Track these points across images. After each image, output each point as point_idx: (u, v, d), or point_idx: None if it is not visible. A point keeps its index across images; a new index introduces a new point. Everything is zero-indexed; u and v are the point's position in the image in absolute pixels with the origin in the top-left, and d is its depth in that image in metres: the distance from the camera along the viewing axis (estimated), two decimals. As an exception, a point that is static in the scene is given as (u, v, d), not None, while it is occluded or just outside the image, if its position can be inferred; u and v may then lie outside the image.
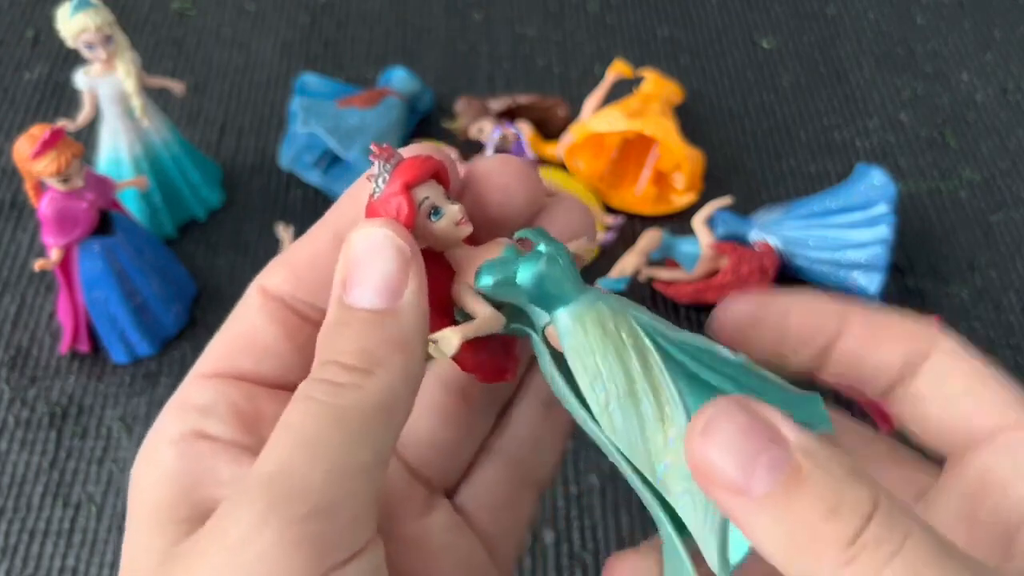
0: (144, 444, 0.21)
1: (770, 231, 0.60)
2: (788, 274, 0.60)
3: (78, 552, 0.49)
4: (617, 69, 0.69)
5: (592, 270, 0.60)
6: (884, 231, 0.58)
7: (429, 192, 0.21)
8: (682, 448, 0.19)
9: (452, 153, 0.24)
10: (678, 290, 0.59)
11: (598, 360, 0.20)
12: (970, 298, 0.62)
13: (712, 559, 0.19)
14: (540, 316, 0.22)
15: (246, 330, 0.22)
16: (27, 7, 0.79)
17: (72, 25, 0.53)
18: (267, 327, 0.22)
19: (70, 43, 0.54)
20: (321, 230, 0.23)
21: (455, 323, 0.22)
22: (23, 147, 0.48)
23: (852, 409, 0.55)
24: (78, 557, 0.49)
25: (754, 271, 0.58)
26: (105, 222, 0.53)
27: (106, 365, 0.56)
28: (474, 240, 0.22)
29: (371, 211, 0.21)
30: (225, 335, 0.22)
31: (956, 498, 0.22)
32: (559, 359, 0.22)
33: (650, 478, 0.20)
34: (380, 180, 0.21)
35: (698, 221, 0.60)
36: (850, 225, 0.59)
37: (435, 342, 0.20)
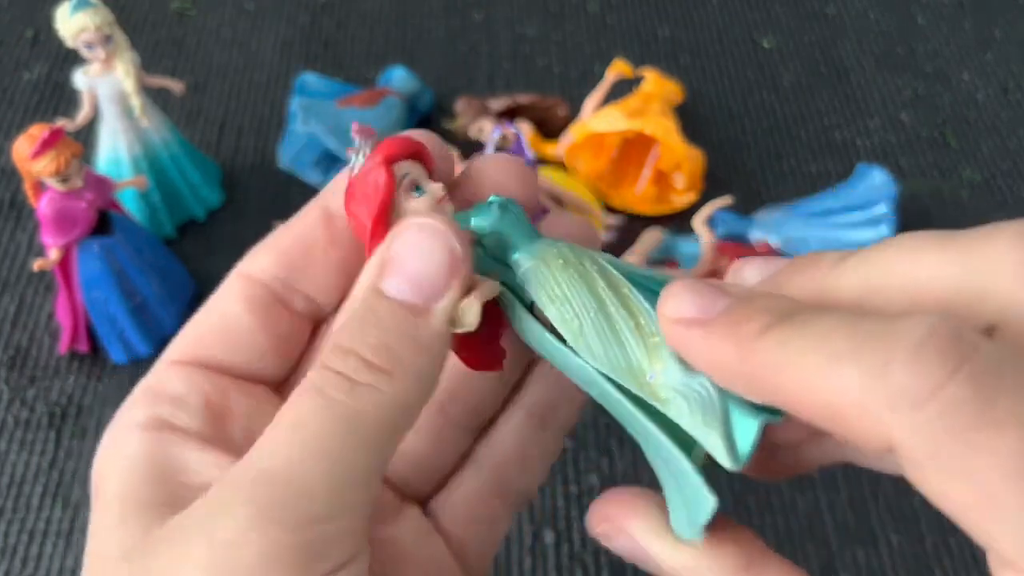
0: (110, 428, 0.21)
1: (771, 231, 0.60)
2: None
3: (78, 552, 0.49)
4: (617, 69, 0.69)
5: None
6: (884, 231, 0.58)
7: (410, 169, 0.21)
8: (666, 353, 0.19)
9: (449, 150, 0.23)
10: (678, 290, 0.59)
11: (564, 289, 0.20)
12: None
13: (719, 453, 0.18)
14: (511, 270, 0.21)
15: (222, 317, 0.22)
16: (27, 7, 0.79)
17: (71, 25, 0.53)
18: (244, 316, 0.21)
19: (69, 43, 0.54)
20: (310, 210, 0.22)
21: None
22: (22, 147, 0.48)
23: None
24: (78, 557, 0.49)
25: (754, 271, 0.58)
26: (104, 222, 0.53)
27: (105, 365, 0.56)
28: None
29: (350, 187, 0.21)
30: (201, 321, 0.22)
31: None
32: (532, 309, 0.21)
33: (639, 392, 0.19)
34: (360, 155, 0.21)
35: (698, 221, 0.60)
36: (851, 225, 0.59)
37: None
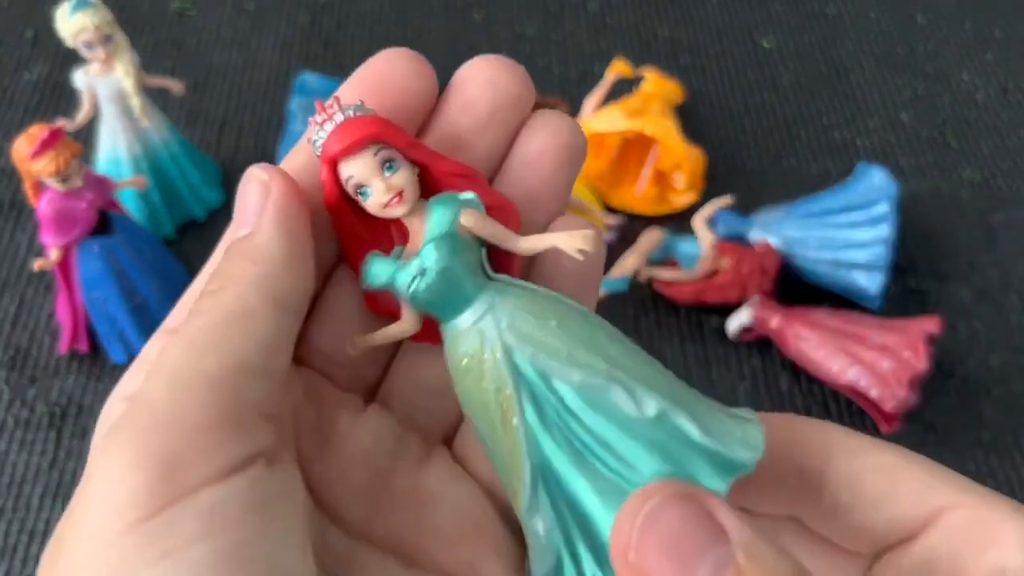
0: (107, 401, 0.21)
1: (771, 231, 0.60)
2: (789, 274, 0.60)
3: (77, 552, 0.49)
4: (617, 69, 0.69)
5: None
6: (885, 231, 0.58)
7: (357, 168, 0.21)
8: (527, 479, 0.19)
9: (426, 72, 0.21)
10: (679, 290, 0.59)
11: (462, 390, 0.21)
12: (970, 298, 0.62)
13: None
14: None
15: None
16: (27, 7, 0.79)
17: (71, 24, 0.53)
18: None
19: (69, 42, 0.54)
20: (293, 156, 0.23)
21: None
22: (22, 147, 0.48)
23: (851, 409, 0.55)
24: (77, 558, 0.49)
25: (755, 271, 0.58)
26: (104, 222, 0.53)
27: (105, 365, 0.56)
28: (464, 150, 0.22)
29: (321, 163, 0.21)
30: (191, 290, 0.22)
31: None
32: None
33: (512, 504, 0.20)
34: (321, 129, 0.21)
35: (698, 221, 0.60)
36: (851, 225, 0.59)
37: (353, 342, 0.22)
